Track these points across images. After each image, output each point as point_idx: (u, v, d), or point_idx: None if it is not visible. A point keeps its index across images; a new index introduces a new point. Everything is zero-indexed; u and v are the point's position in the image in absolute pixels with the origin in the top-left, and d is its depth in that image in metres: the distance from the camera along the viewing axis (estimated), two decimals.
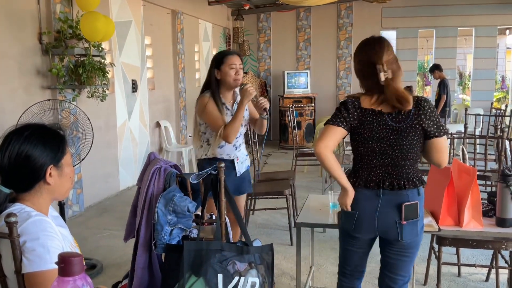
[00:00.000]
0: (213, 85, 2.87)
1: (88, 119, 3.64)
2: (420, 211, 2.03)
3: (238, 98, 2.95)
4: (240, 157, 3.00)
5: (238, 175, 2.97)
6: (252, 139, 4.65)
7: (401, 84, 2.00)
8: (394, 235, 2.03)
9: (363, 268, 2.26)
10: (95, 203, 5.40)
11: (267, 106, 2.92)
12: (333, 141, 1.99)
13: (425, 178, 3.54)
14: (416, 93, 9.71)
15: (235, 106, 2.93)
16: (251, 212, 4.62)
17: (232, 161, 2.94)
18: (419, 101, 1.99)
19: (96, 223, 4.77)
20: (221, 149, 2.91)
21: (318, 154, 1.98)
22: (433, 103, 8.21)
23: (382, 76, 1.93)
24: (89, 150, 3.56)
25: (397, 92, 1.95)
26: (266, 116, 2.95)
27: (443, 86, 7.82)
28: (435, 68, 8.02)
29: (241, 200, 3.07)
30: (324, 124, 2.05)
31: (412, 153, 1.99)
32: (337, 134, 1.99)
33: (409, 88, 8.67)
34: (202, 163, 2.91)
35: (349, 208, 2.06)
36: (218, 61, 2.87)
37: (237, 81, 2.87)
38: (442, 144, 2.01)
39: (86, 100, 4.93)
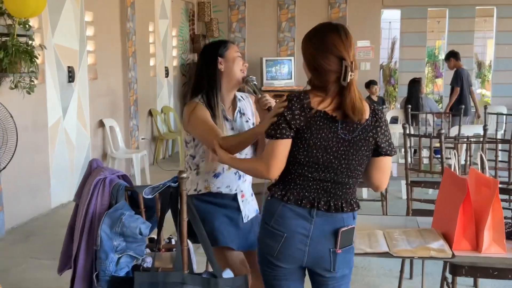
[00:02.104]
0: (216, 82, 2.60)
1: (11, 116, 3.58)
2: (355, 237, 2.14)
3: (242, 104, 2.73)
4: (246, 192, 2.66)
5: (245, 220, 2.63)
6: None
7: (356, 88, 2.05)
8: (326, 266, 2.10)
9: None
10: (19, 225, 5.31)
11: (272, 104, 2.59)
12: (285, 159, 2.04)
13: (429, 191, 3.61)
14: (425, 88, 9.85)
15: (237, 115, 2.68)
16: None
17: (235, 198, 2.61)
18: (376, 111, 2.08)
19: (20, 251, 4.68)
20: (218, 179, 2.56)
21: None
22: (448, 98, 8.36)
23: (348, 76, 1.98)
24: (12, 156, 3.50)
25: (355, 99, 2.00)
26: None
27: (456, 77, 7.98)
28: (452, 55, 8.16)
29: (254, 257, 2.46)
30: (266, 136, 2.05)
31: (359, 171, 2.09)
32: (287, 149, 2.03)
33: (417, 81, 8.69)
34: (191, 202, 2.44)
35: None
36: (221, 47, 2.65)
37: (243, 74, 2.67)
38: (388, 165, 2.15)
39: (9, 92, 4.85)
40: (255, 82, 2.71)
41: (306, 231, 2.05)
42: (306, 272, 2.20)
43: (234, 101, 2.71)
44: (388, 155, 2.11)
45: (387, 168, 2.15)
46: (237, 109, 2.69)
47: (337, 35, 2.03)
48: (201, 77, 2.64)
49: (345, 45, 2.01)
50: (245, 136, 2.42)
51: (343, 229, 2.06)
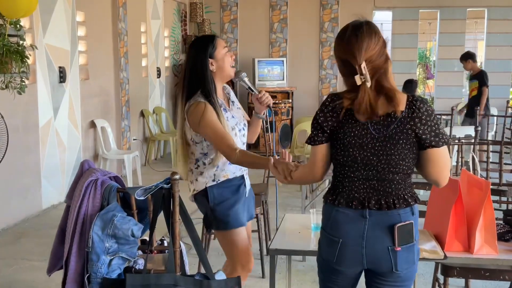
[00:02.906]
0: (210, 83, 2.69)
1: (2, 116, 3.56)
2: (415, 233, 2.06)
3: (228, 91, 2.88)
4: (246, 169, 2.88)
5: (247, 194, 2.86)
6: None
7: (390, 80, 2.03)
8: (387, 265, 2.04)
9: None
10: (9, 226, 5.28)
11: (271, 102, 2.86)
12: (326, 162, 2.08)
13: (420, 192, 3.62)
14: (417, 89, 9.86)
15: (231, 105, 2.84)
16: (212, 236, 4.61)
17: (242, 176, 2.82)
18: (414, 102, 2.01)
19: (11, 252, 4.66)
20: (232, 165, 2.73)
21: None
22: (467, 99, 8.21)
23: (358, 80, 1.96)
24: (3, 157, 3.48)
25: (362, 101, 1.97)
26: (264, 116, 2.90)
27: (483, 77, 7.88)
28: (470, 57, 8.04)
29: (249, 227, 2.96)
30: (306, 142, 2.13)
31: (403, 165, 2.01)
32: (325, 153, 2.07)
33: (414, 81, 8.61)
34: (210, 193, 2.70)
35: (290, 177, 2.19)
36: (210, 47, 2.71)
37: (234, 69, 2.80)
38: (441, 157, 2.02)
39: (0, 93, 4.83)
40: (246, 79, 2.88)
41: (360, 233, 2.01)
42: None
43: (224, 91, 2.86)
44: (434, 146, 1.98)
45: (440, 160, 2.01)
46: (230, 98, 2.85)
47: (345, 38, 2.01)
48: (194, 78, 2.70)
49: (352, 47, 1.98)
50: (259, 160, 2.60)
51: (399, 224, 1.99)
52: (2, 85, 4.72)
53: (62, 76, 6.13)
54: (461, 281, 3.72)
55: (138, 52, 8.24)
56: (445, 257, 2.45)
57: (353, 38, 1.98)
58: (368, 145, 1.98)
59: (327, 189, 2.16)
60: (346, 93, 2.02)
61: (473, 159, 3.46)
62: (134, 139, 7.99)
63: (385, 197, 2.01)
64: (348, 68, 1.99)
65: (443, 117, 7.48)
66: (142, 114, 8.37)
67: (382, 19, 13.07)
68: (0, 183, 5.05)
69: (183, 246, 2.22)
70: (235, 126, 2.77)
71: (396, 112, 1.96)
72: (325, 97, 2.09)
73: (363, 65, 1.94)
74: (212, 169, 2.71)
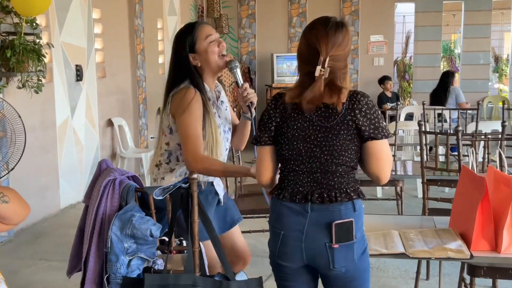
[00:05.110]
0: (197, 78, 2.49)
1: (19, 116, 3.60)
2: (357, 231, 2.07)
3: (220, 89, 2.68)
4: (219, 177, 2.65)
5: (222, 203, 2.65)
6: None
7: (347, 83, 2.08)
8: (324, 261, 2.07)
9: None
10: (28, 226, 5.34)
11: (255, 100, 2.59)
12: (273, 164, 2.16)
13: (445, 190, 3.58)
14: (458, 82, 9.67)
15: (220, 104, 2.62)
16: None
17: (212, 184, 2.58)
18: (355, 95, 2.06)
19: (29, 252, 4.71)
20: None
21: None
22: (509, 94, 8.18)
23: (317, 70, 2.00)
24: (21, 156, 3.53)
25: (313, 94, 2.01)
26: (250, 115, 2.61)
27: None
28: None
29: (238, 231, 2.74)
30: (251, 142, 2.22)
31: (345, 157, 2.06)
32: (270, 154, 2.15)
33: (451, 73, 8.51)
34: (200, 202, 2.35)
35: (273, 182, 2.22)
36: (189, 40, 2.49)
37: (225, 58, 2.53)
38: (381, 151, 2.08)
39: (16, 92, 4.88)
40: (237, 70, 2.59)
41: (301, 227, 2.06)
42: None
43: (214, 88, 2.63)
44: (374, 138, 2.04)
45: (380, 154, 2.08)
46: (220, 97, 2.64)
47: (322, 29, 2.06)
48: (178, 75, 2.51)
49: (325, 40, 2.03)
50: (233, 169, 2.60)
51: (337, 222, 2.03)
52: (19, 84, 4.78)
53: (79, 74, 6.19)
54: (488, 281, 3.69)
55: (155, 49, 8.27)
56: (472, 256, 2.43)
57: (332, 32, 2.05)
58: (311, 137, 2.05)
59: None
60: (289, 90, 2.10)
61: (500, 155, 3.41)
62: (151, 138, 8.04)
63: (328, 190, 2.06)
64: (311, 55, 2.04)
65: (469, 111, 7.40)
66: (159, 111, 8.40)
67: (405, 11, 12.97)
68: (18, 183, 5.11)
69: (202, 247, 2.23)
70: (220, 125, 2.57)
71: (337, 104, 2.02)
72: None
73: (328, 59, 2.01)
74: (178, 163, 2.50)
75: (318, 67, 2.00)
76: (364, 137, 2.05)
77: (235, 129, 2.73)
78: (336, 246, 2.04)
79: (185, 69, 2.49)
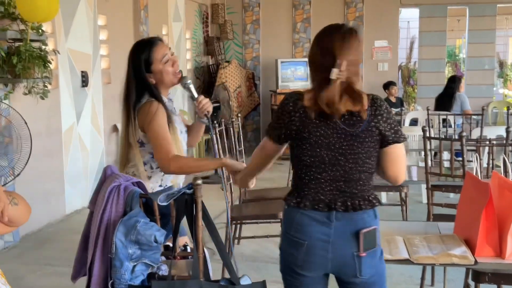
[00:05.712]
0: (155, 91, 2.68)
1: (25, 122, 3.62)
2: (378, 237, 2.10)
3: (173, 100, 2.87)
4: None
5: None
6: (237, 147, 4.65)
7: (360, 84, 2.08)
8: (351, 271, 2.06)
9: None
10: (33, 231, 5.36)
11: (210, 109, 2.76)
12: (268, 162, 2.24)
13: (450, 195, 3.58)
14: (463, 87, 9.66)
15: (173, 109, 2.82)
16: (236, 241, 4.62)
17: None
18: (375, 100, 2.06)
19: (35, 257, 4.72)
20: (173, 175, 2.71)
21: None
22: None
23: (334, 74, 1.99)
24: (26, 162, 3.54)
25: (329, 96, 2.00)
26: (207, 121, 2.78)
27: None
28: None
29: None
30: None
31: (369, 164, 2.06)
32: (278, 153, 2.20)
33: (458, 78, 8.48)
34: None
35: (251, 185, 2.32)
36: (144, 60, 2.68)
37: (179, 75, 2.75)
38: (401, 153, 2.11)
39: (22, 98, 4.90)
40: (191, 86, 2.78)
41: (326, 237, 2.03)
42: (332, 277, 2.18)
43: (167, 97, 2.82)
44: (397, 142, 2.08)
45: (400, 157, 2.11)
46: (173, 104, 2.83)
47: (339, 35, 2.06)
48: (137, 90, 2.68)
49: (343, 44, 2.03)
50: (205, 162, 2.71)
51: (364, 230, 2.02)
52: (25, 91, 4.80)
53: (85, 80, 6.21)
54: (493, 287, 3.67)
55: None
56: (476, 262, 2.43)
57: (347, 36, 2.05)
58: (336, 145, 2.03)
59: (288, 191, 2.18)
60: (306, 92, 2.08)
61: (504, 161, 3.40)
62: None
63: (351, 198, 2.05)
64: (325, 60, 2.03)
65: (474, 117, 7.39)
66: (115, 128, 8.38)
67: (409, 17, 12.96)
68: (24, 188, 5.12)
69: (206, 252, 2.24)
70: (182, 130, 2.79)
71: (361, 111, 2.01)
72: None
73: (345, 62, 2.00)
74: (160, 172, 2.65)
75: (335, 70, 1.99)
76: (388, 142, 2.06)
77: (189, 129, 2.92)
78: (363, 254, 2.04)
79: (142, 86, 2.67)
